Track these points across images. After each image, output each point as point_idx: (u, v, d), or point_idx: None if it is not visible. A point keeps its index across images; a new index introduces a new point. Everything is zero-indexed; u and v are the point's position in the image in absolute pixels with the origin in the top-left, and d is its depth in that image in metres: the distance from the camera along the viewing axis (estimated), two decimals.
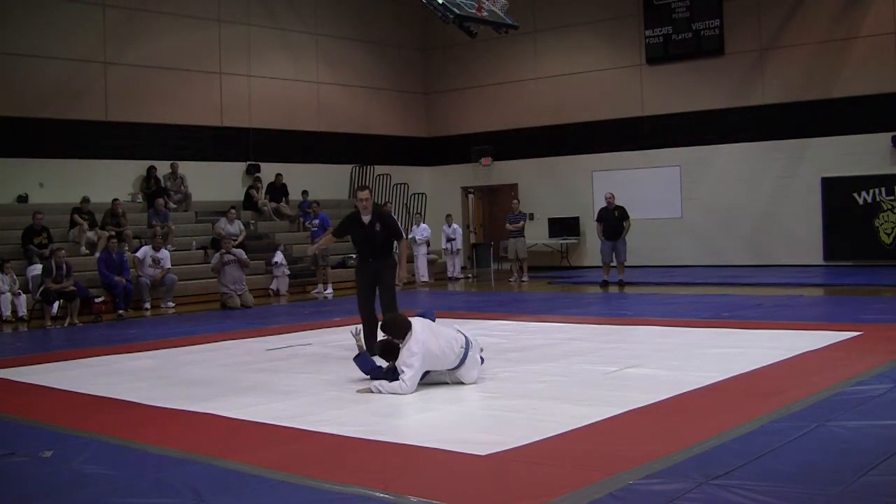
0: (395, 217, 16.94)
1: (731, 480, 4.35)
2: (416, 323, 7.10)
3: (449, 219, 20.72)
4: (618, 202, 17.13)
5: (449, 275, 20.52)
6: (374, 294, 8.90)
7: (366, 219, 8.81)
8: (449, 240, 20.37)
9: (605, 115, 21.40)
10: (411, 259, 19.95)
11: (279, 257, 17.52)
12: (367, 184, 9.51)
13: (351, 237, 9.24)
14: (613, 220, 17.00)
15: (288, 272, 17.65)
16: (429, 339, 6.96)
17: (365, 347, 7.64)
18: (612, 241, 16.99)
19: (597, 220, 17.50)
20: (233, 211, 17.84)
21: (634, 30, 20.94)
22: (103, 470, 5.03)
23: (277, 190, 20.14)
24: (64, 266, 13.85)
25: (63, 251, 14.28)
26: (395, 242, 9.07)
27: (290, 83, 21.16)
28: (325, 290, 17.44)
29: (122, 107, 18.06)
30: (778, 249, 19.18)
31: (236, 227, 17.59)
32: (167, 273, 15.58)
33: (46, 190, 16.90)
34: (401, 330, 7.02)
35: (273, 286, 17.46)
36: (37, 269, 14.32)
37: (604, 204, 17.45)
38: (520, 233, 19.08)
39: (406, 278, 8.78)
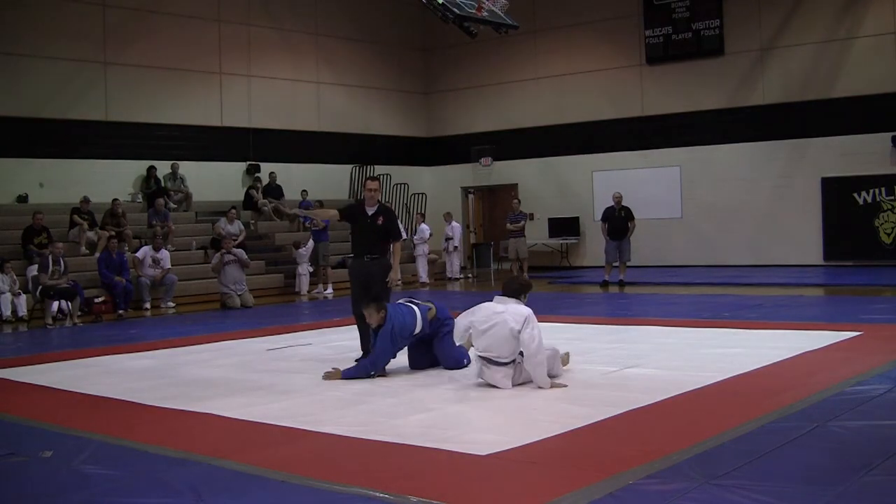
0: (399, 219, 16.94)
1: (732, 480, 4.35)
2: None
3: (448, 217, 20.73)
4: (623, 202, 17.14)
5: (448, 275, 20.50)
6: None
7: (370, 210, 8.71)
8: (447, 238, 20.37)
9: (605, 115, 21.40)
10: (412, 261, 19.96)
11: (303, 256, 17.61)
12: (377, 176, 9.41)
13: (351, 227, 9.11)
14: (618, 221, 17.01)
15: (311, 269, 17.69)
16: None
17: (361, 345, 8.14)
18: (616, 241, 16.99)
19: (602, 220, 17.50)
20: (233, 211, 17.84)
21: (634, 30, 20.93)
22: (103, 470, 5.03)
23: (273, 190, 20.14)
24: (60, 261, 13.84)
25: (60, 245, 14.28)
26: (392, 243, 8.89)
27: (290, 83, 21.16)
28: (325, 290, 17.44)
29: (122, 107, 18.07)
30: (778, 249, 19.18)
31: (236, 227, 17.59)
32: (167, 273, 15.58)
33: (46, 190, 16.91)
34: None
35: (297, 287, 17.53)
36: (33, 269, 14.29)
37: (608, 203, 17.46)
38: (520, 233, 19.07)
39: (398, 280, 8.64)
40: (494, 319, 6.96)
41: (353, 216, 8.94)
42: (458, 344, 7.85)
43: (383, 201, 20.79)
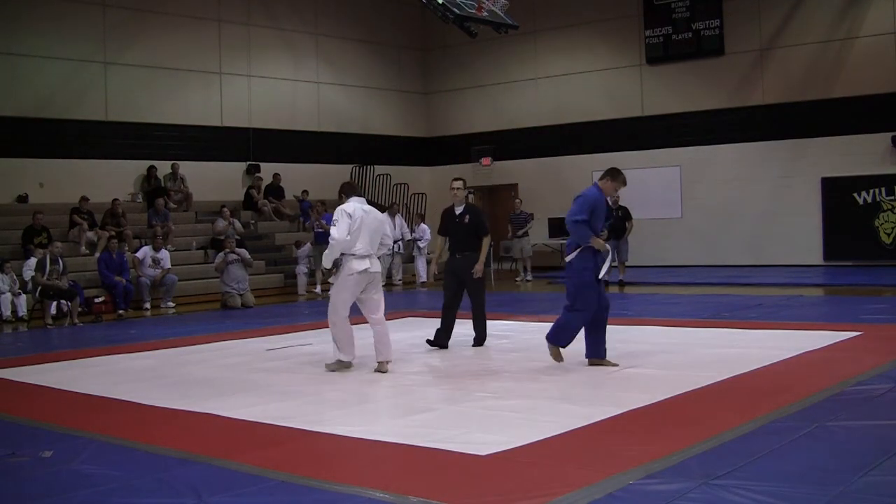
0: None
1: (732, 480, 4.35)
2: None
3: None
4: (620, 202, 17.12)
5: None
6: (459, 291, 9.28)
7: (458, 209, 9.32)
8: None
9: (605, 115, 21.39)
10: (412, 260, 19.96)
11: (303, 256, 17.59)
12: (460, 177, 9.81)
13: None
14: (616, 220, 17.00)
15: (309, 269, 17.65)
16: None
17: (433, 337, 9.18)
18: (614, 241, 16.97)
19: None
20: (225, 210, 17.88)
21: (634, 30, 20.93)
22: (103, 470, 5.03)
23: (276, 190, 20.13)
24: (59, 261, 13.83)
25: (58, 245, 14.28)
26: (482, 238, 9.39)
27: (290, 83, 21.16)
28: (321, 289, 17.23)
29: (122, 107, 18.06)
30: (778, 249, 19.17)
31: (236, 225, 17.70)
32: (167, 273, 15.58)
33: (46, 190, 16.90)
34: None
35: (298, 287, 17.50)
36: (30, 264, 14.24)
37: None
38: (525, 233, 19.11)
39: (480, 271, 9.31)
40: (370, 217, 7.93)
41: (446, 223, 9.52)
42: (328, 265, 8.10)
43: (390, 203, 20.68)
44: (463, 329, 9.58)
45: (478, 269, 9.18)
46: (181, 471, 4.94)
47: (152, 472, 4.96)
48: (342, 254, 7.84)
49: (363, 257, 7.77)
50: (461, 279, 9.22)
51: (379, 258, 8.01)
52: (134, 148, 18.26)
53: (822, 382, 6.67)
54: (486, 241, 9.30)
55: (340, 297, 7.86)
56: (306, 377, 7.92)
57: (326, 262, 7.97)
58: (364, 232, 7.80)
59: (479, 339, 9.40)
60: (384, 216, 8.14)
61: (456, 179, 9.50)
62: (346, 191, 8.20)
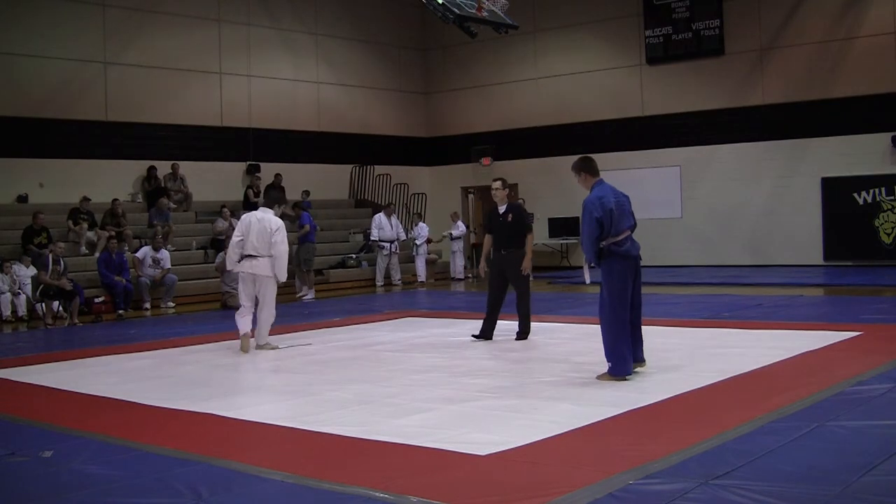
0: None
1: (732, 480, 4.35)
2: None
3: (454, 217, 20.74)
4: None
5: (452, 275, 20.42)
6: (503, 286, 9.69)
7: (501, 209, 9.65)
8: (454, 238, 20.35)
9: (605, 115, 21.40)
10: (411, 260, 19.94)
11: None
12: (499, 177, 10.05)
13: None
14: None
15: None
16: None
17: (479, 332, 9.68)
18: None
19: None
20: (225, 210, 17.88)
21: (634, 30, 20.94)
22: (103, 470, 5.03)
23: (276, 190, 20.08)
24: (61, 261, 13.84)
25: (62, 245, 14.30)
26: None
27: (290, 83, 21.16)
28: (307, 293, 16.98)
29: (122, 107, 18.06)
30: (778, 249, 19.18)
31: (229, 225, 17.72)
32: (167, 273, 15.58)
33: (46, 190, 16.90)
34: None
35: (297, 287, 17.47)
36: (23, 269, 14.25)
37: None
38: None
39: (528, 268, 9.75)
40: (259, 225, 9.39)
41: (490, 221, 9.85)
42: (230, 268, 10.01)
43: (386, 202, 20.68)
44: (466, 328, 9.57)
45: (525, 265, 9.53)
46: (181, 471, 4.94)
47: (152, 472, 4.96)
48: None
49: (247, 258, 9.43)
50: (505, 275, 9.60)
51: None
52: (134, 148, 18.25)
53: (822, 382, 6.67)
54: (531, 239, 9.70)
55: (239, 288, 9.75)
56: (306, 377, 7.92)
57: (229, 263, 9.87)
58: (249, 237, 9.40)
59: (523, 333, 9.70)
60: (273, 226, 9.42)
61: (496, 180, 9.76)
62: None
